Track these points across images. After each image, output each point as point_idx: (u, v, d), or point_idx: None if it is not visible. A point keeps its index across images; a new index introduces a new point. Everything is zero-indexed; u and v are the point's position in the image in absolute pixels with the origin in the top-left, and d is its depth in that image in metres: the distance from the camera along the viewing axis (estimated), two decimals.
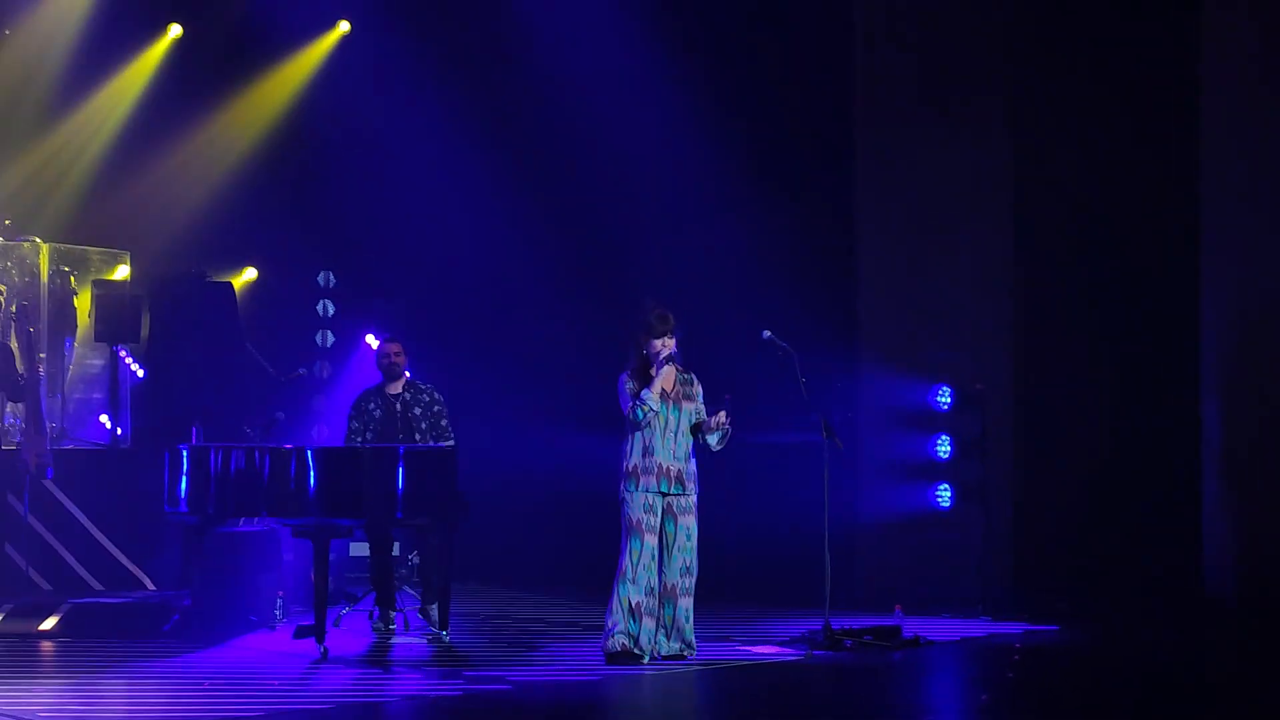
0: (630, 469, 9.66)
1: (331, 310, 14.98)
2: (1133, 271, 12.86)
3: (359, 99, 14.49)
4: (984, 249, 12.71)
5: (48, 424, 11.98)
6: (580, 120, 13.98)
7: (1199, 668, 10.05)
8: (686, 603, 9.64)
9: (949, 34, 12.86)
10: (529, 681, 9.00)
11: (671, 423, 9.70)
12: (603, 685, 9.07)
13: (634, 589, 9.52)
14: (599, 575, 13.39)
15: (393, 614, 11.05)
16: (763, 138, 13.51)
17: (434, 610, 10.76)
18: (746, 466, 13.44)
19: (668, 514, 9.65)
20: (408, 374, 11.29)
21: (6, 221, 12.78)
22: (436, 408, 11.15)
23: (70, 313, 12.78)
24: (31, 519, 11.53)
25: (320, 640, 9.90)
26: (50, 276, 12.58)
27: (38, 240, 12.66)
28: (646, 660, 9.47)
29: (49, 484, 11.63)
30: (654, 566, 9.56)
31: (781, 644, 10.42)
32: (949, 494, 12.53)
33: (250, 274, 14.74)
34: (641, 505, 9.60)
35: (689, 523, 9.68)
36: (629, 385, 9.78)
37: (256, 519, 10.96)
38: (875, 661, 9.95)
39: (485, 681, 8.92)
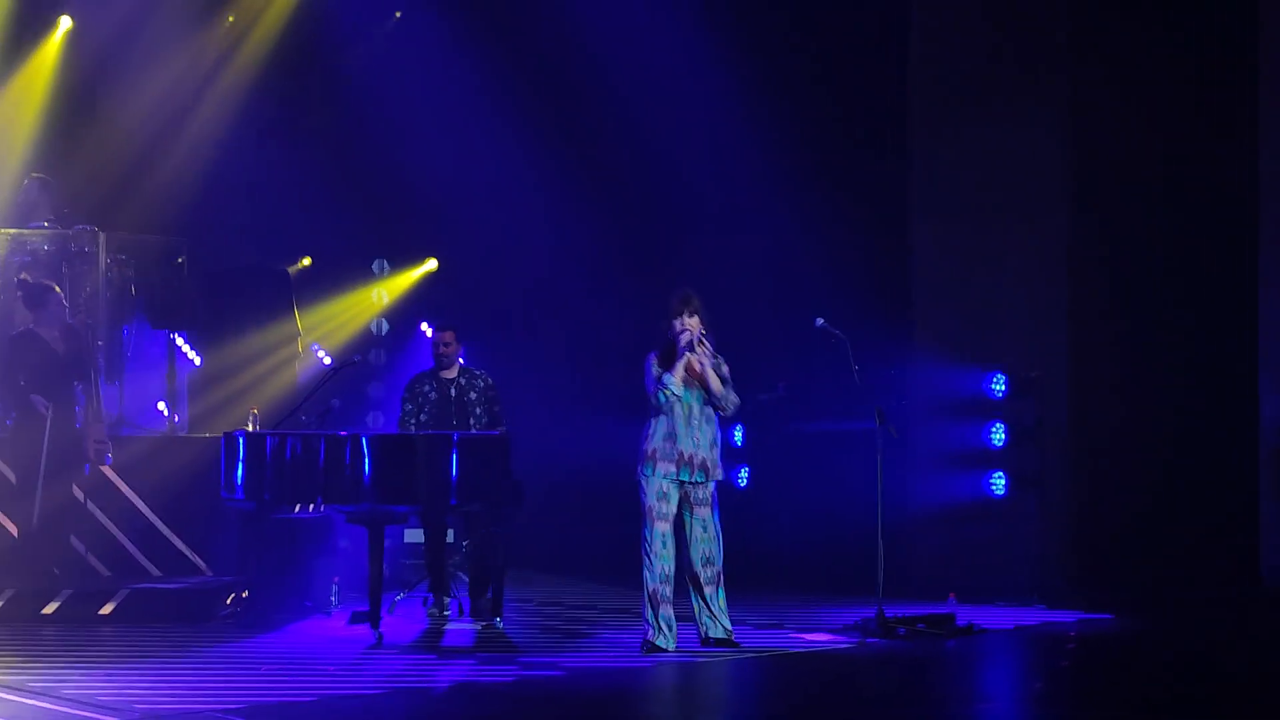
0: (649, 452, 9.56)
1: (386, 298, 15.08)
2: (1191, 257, 12.74)
3: (414, 88, 14.54)
4: (1039, 235, 12.61)
5: (104, 411, 12.11)
6: (633, 108, 13.99)
7: (1255, 657, 9.96)
8: (711, 591, 9.63)
9: (1005, 18, 12.77)
10: (581, 668, 9.02)
11: (696, 410, 9.61)
12: (654, 672, 9.08)
13: (649, 576, 9.49)
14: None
15: (447, 600, 11.12)
16: (816, 123, 13.47)
17: (487, 596, 10.80)
18: (800, 454, 13.45)
19: (685, 503, 9.58)
20: (461, 361, 11.35)
21: (65, 210, 12.89)
22: (491, 393, 11.21)
23: (128, 301, 12.88)
24: (91, 505, 11.65)
25: (375, 626, 9.96)
26: (108, 265, 12.68)
27: (96, 228, 12.76)
28: (671, 647, 9.41)
29: (108, 471, 11.75)
30: (666, 553, 9.50)
31: (834, 632, 10.41)
32: (1003, 482, 12.46)
33: (305, 262, 14.84)
34: (656, 492, 9.50)
35: (704, 515, 9.61)
36: (655, 368, 9.68)
37: (312, 505, 11.04)
38: (929, 650, 9.92)
39: (537, 668, 8.96)
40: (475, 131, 14.45)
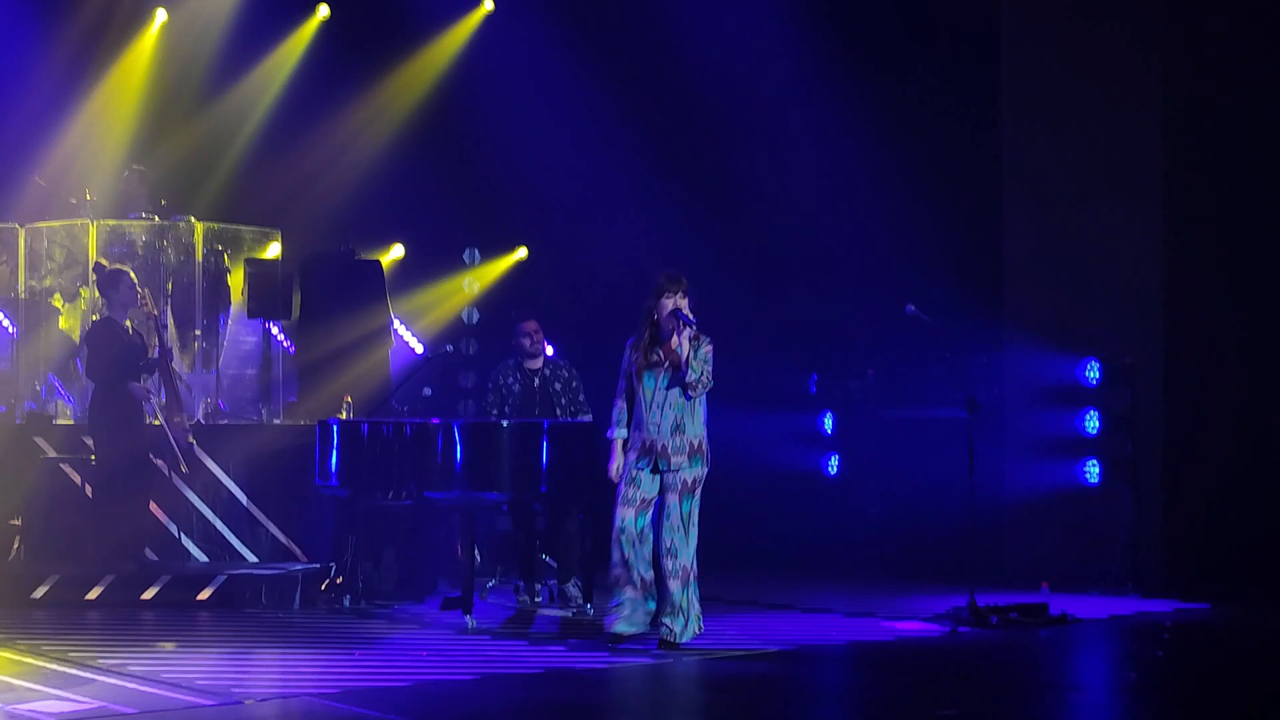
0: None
1: (477, 287, 15.16)
2: None
3: (505, 76, 14.60)
4: (1134, 219, 12.45)
5: (189, 399, 12.26)
6: (725, 95, 13.97)
7: None
8: (674, 586, 9.09)
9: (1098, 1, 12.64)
10: (673, 655, 9.02)
11: (659, 395, 9.18)
12: (746, 660, 9.09)
13: (611, 559, 9.19)
14: (740, 550, 13.47)
15: (537, 587, 11.19)
16: (908, 109, 13.38)
17: (577, 583, 10.86)
18: (892, 441, 13.38)
19: (660, 491, 9.19)
20: (550, 349, 11.41)
21: (163, 202, 13.07)
22: (575, 384, 11.26)
23: (224, 290, 13.04)
24: (188, 492, 11.83)
25: (467, 612, 10.05)
26: (205, 255, 12.85)
27: (193, 219, 12.93)
28: (630, 634, 9.12)
29: (204, 457, 11.91)
30: (625, 539, 9.10)
31: (926, 621, 10.36)
32: (1097, 470, 12.34)
33: (398, 251, 14.95)
34: (625, 478, 9.20)
35: (671, 501, 9.13)
36: (626, 358, 9.32)
37: (405, 493, 11.13)
38: (1021, 639, 9.85)
39: (628, 654, 8.99)
40: (566, 120, 14.48)
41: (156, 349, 11.33)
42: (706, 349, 9.22)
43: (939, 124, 13.30)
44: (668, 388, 9.18)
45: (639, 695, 8.33)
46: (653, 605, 9.20)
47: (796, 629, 10.25)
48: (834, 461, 14.02)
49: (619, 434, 9.27)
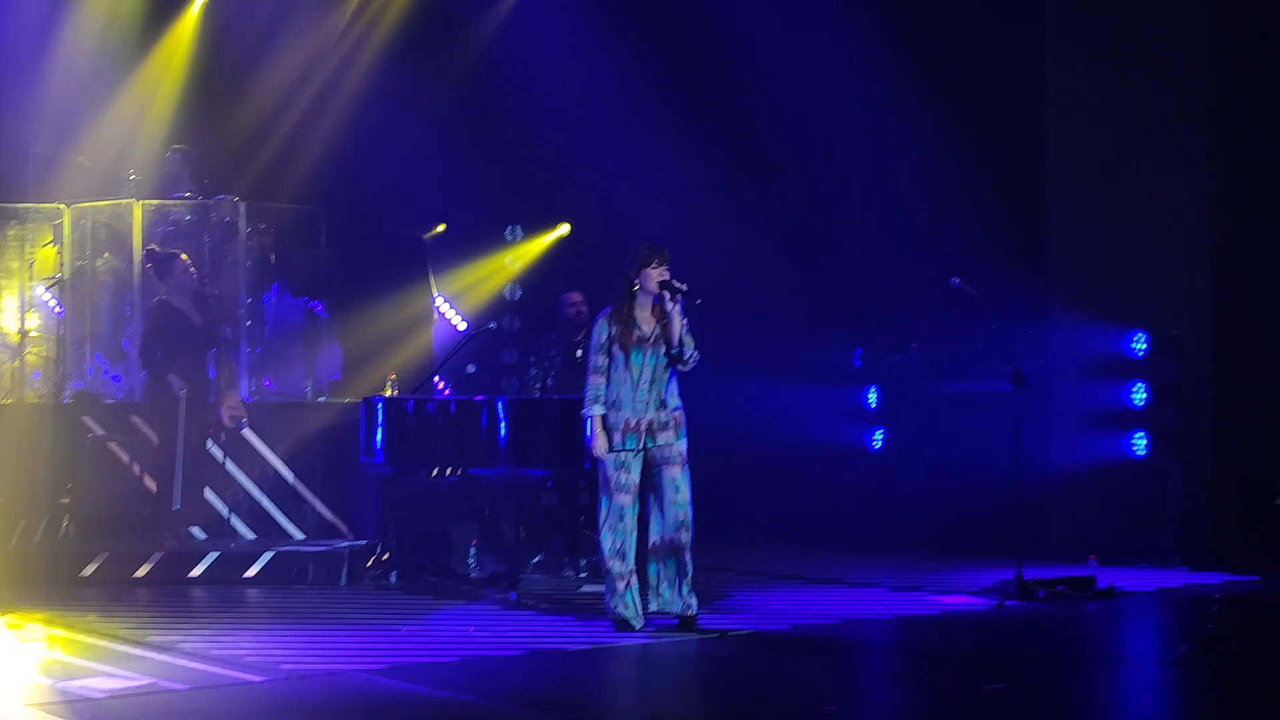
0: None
1: (519, 264, 15.16)
2: None
3: (546, 53, 14.56)
4: (1181, 189, 12.34)
5: (243, 380, 12.35)
6: (767, 68, 13.91)
7: None
8: (686, 559, 8.86)
9: None
10: (714, 629, 9.02)
11: (646, 373, 8.87)
12: (792, 634, 9.08)
13: (603, 550, 8.94)
14: (785, 525, 13.46)
15: (582, 562, 11.19)
16: (951, 81, 13.29)
17: None
18: (936, 415, 13.34)
19: (652, 467, 8.90)
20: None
21: (206, 181, 13.11)
22: None
23: (268, 269, 13.08)
24: (235, 470, 11.90)
25: (513, 588, 10.07)
26: (248, 234, 12.88)
27: (236, 199, 12.97)
28: (638, 625, 8.85)
29: (251, 436, 11.98)
30: (621, 526, 8.84)
31: (972, 594, 10.33)
32: (1145, 442, 12.26)
33: (440, 229, 14.96)
34: (612, 462, 8.87)
35: (674, 473, 8.87)
36: (604, 331, 8.92)
37: (450, 469, 11.17)
38: (1069, 612, 9.81)
39: (672, 629, 8.98)
40: (608, 96, 14.45)
41: (228, 330, 11.48)
42: (684, 319, 8.91)
43: (983, 95, 13.21)
44: (654, 364, 8.90)
45: (686, 673, 8.33)
46: (636, 593, 8.95)
47: (843, 603, 10.23)
48: (878, 436, 13.98)
49: (597, 410, 8.89)
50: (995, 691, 7.48)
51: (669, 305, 8.90)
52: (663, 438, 8.91)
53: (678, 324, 8.89)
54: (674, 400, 8.99)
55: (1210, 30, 12.31)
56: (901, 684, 8.14)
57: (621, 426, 8.90)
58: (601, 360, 8.99)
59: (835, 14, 13.46)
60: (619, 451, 8.89)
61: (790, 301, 13.65)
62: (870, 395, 14.03)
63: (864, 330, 13.99)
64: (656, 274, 8.93)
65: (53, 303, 12.83)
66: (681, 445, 8.96)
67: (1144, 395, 12.29)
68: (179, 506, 11.40)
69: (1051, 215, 12.89)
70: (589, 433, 8.97)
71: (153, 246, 11.96)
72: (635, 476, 8.92)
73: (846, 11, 13.43)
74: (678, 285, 8.89)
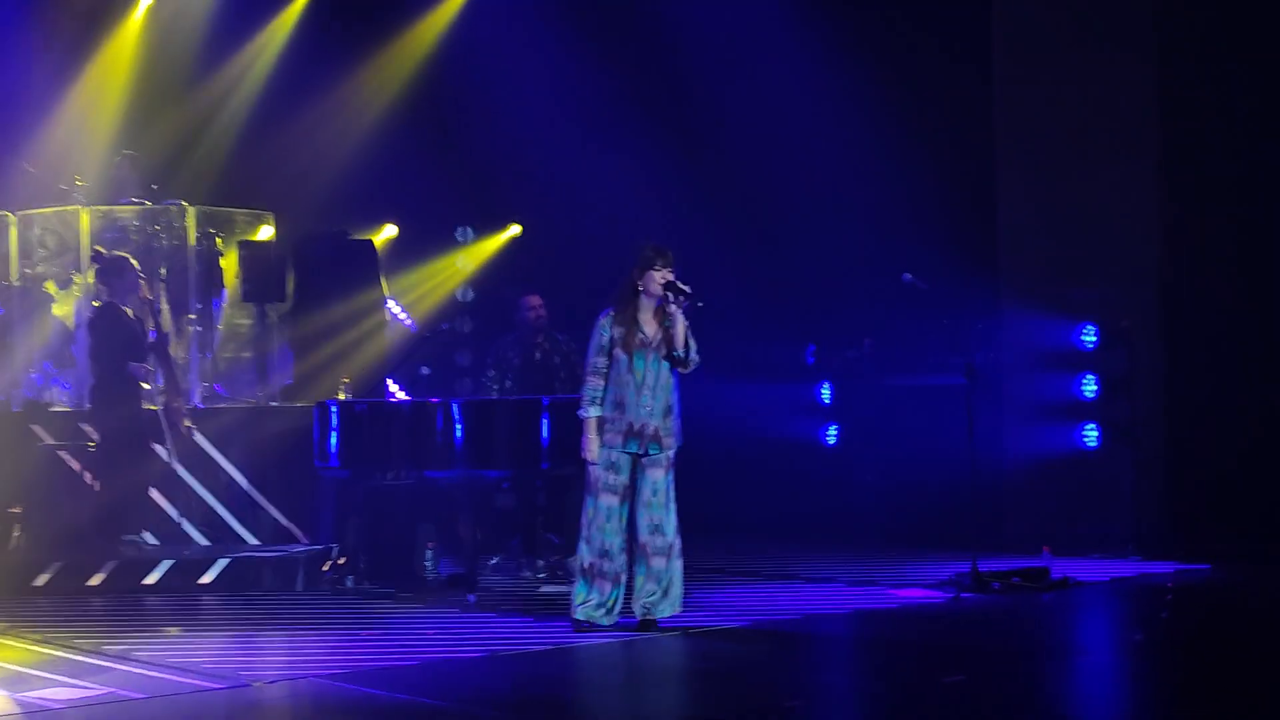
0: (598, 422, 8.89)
1: (471, 265, 15.12)
2: None
3: (493, 52, 14.55)
4: (1128, 182, 12.43)
5: (194, 385, 12.26)
6: (716, 66, 13.93)
7: None
8: (659, 563, 8.83)
9: None
10: (675, 627, 9.03)
11: (650, 377, 8.80)
12: (752, 630, 9.10)
13: (587, 550, 8.84)
14: (741, 522, 13.48)
15: (540, 563, 11.18)
16: (899, 75, 13.35)
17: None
18: (890, 409, 13.40)
19: (636, 468, 8.86)
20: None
21: (154, 186, 13.02)
22: (575, 358, 11.24)
23: (218, 274, 12.99)
24: (187, 476, 11.81)
25: (471, 590, 10.04)
26: (197, 239, 12.80)
27: (184, 203, 12.88)
28: (608, 624, 8.80)
29: (204, 442, 11.89)
30: (609, 527, 8.79)
31: (928, 587, 10.38)
32: (1096, 433, 12.35)
33: (390, 230, 14.90)
34: (604, 462, 8.80)
35: (656, 477, 8.82)
36: (606, 332, 8.84)
37: (405, 472, 11.13)
38: (1024, 604, 9.87)
39: (633, 629, 8.98)
40: (556, 95, 14.43)
41: (153, 332, 11.33)
42: (682, 325, 8.87)
43: (932, 91, 13.28)
44: (657, 368, 8.85)
45: (649, 670, 8.34)
46: (623, 593, 8.93)
47: (800, 599, 10.27)
48: (833, 431, 14.03)
49: (594, 412, 8.86)
50: (955, 683, 7.52)
51: (672, 308, 8.83)
52: (665, 444, 8.86)
53: (681, 326, 8.83)
54: (677, 407, 8.94)
55: (1153, 22, 12.41)
56: (862, 677, 8.18)
57: (624, 429, 8.83)
58: (601, 362, 8.91)
59: (786, 14, 13.49)
60: (606, 452, 8.82)
61: (743, 298, 13.67)
62: (824, 391, 14.08)
63: (817, 326, 14.04)
64: (660, 276, 8.84)
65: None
66: (670, 451, 8.92)
67: (1094, 387, 12.38)
68: (118, 500, 11.24)
69: (1001, 209, 12.97)
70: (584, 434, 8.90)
71: (99, 248, 11.84)
72: (625, 478, 8.86)
73: (797, 11, 13.46)
74: (682, 287, 8.81)
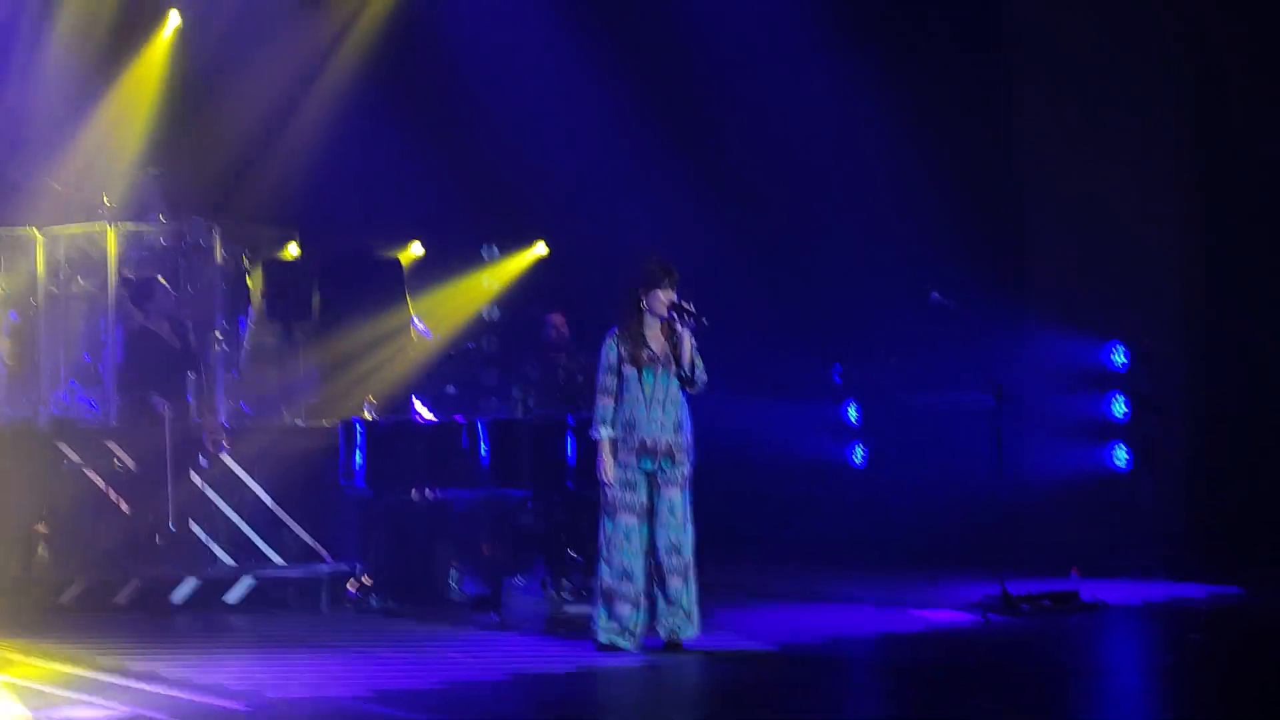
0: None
1: (496, 284, 15.10)
2: None
3: (520, 72, 14.54)
4: (1156, 201, 12.37)
5: (220, 401, 12.27)
6: (743, 87, 13.91)
7: None
8: (677, 584, 8.78)
9: None
10: (705, 650, 8.97)
11: (659, 391, 8.75)
12: (778, 653, 9.03)
13: (606, 571, 8.78)
14: (767, 542, 13.42)
15: (564, 583, 11.13)
16: (925, 95, 13.30)
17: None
18: (917, 429, 13.32)
19: (652, 488, 8.79)
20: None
21: (180, 204, 13.03)
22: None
23: (244, 292, 13.01)
24: (214, 495, 11.80)
25: (494, 610, 10.00)
26: (223, 257, 12.81)
27: (210, 222, 12.88)
28: (630, 646, 8.74)
29: (229, 461, 11.89)
30: (629, 547, 8.73)
31: (957, 609, 10.30)
32: (1125, 454, 12.27)
33: (416, 249, 14.90)
34: (619, 482, 8.75)
35: (673, 496, 8.77)
36: (613, 351, 8.80)
37: (430, 491, 11.11)
38: (1054, 626, 9.80)
39: (657, 651, 8.92)
40: (582, 114, 14.42)
41: (188, 352, 11.41)
42: (689, 343, 8.84)
43: (957, 108, 13.22)
44: (667, 383, 8.81)
45: (673, 693, 8.28)
46: (645, 615, 8.86)
47: (827, 621, 10.19)
48: (859, 451, 13.96)
49: (606, 433, 8.80)
50: (983, 706, 7.44)
51: (679, 328, 8.79)
52: (678, 459, 8.80)
53: (688, 346, 8.80)
54: (689, 423, 8.88)
55: (1183, 40, 12.34)
56: (889, 701, 8.11)
57: (636, 447, 8.78)
58: (610, 381, 8.86)
59: (807, 27, 13.46)
60: (620, 473, 8.76)
61: (769, 317, 13.63)
62: (850, 410, 14.01)
63: (843, 345, 13.97)
64: (666, 296, 8.81)
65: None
66: (686, 468, 8.87)
67: (1124, 407, 12.30)
68: (175, 530, 11.32)
69: (1028, 228, 12.91)
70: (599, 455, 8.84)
71: (126, 273, 11.89)
72: (643, 496, 8.80)
73: (822, 29, 13.42)
74: (687, 308, 8.77)
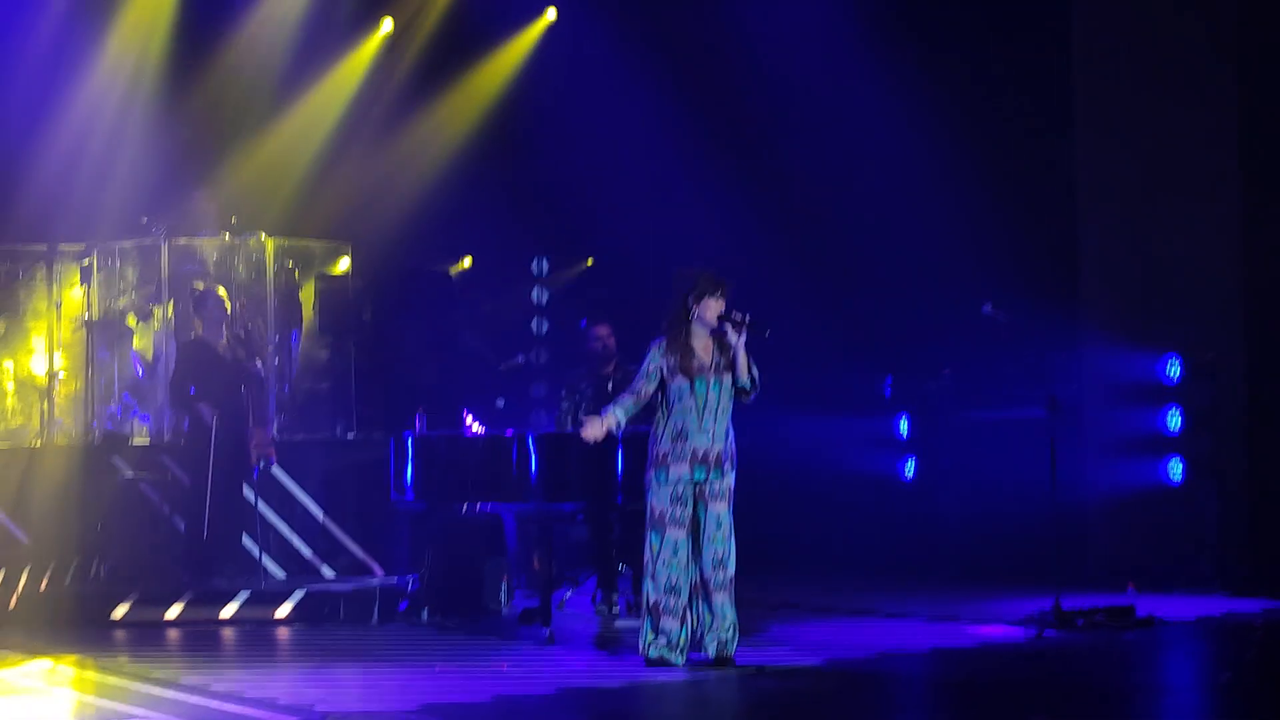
0: (660, 456, 8.77)
1: (546, 297, 15.12)
2: None
3: (569, 85, 14.56)
4: (1212, 211, 12.24)
5: (273, 416, 12.33)
6: (794, 99, 13.87)
7: None
8: (721, 598, 8.72)
9: None
10: (752, 664, 8.93)
11: (712, 401, 8.71)
12: (828, 668, 8.98)
13: (652, 586, 8.72)
14: (817, 556, 13.36)
15: (615, 597, 11.11)
16: (980, 107, 13.23)
17: None
18: (969, 442, 13.23)
19: (699, 500, 8.76)
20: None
21: (234, 219, 13.11)
22: None
23: (295, 306, 13.07)
24: (264, 508, 11.85)
25: (545, 624, 9.99)
26: (275, 271, 12.88)
27: (263, 236, 12.96)
28: (678, 662, 8.69)
29: (280, 474, 11.94)
30: (676, 562, 8.68)
31: (1010, 624, 10.22)
32: (1180, 468, 12.15)
33: (466, 263, 14.93)
34: (669, 496, 8.70)
35: (719, 510, 8.73)
36: (658, 359, 8.79)
37: (480, 505, 11.11)
38: (1108, 641, 9.69)
39: (706, 666, 8.88)
40: (632, 127, 14.42)
41: (245, 364, 11.47)
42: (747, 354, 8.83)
43: (1012, 120, 13.15)
44: (719, 392, 8.77)
45: (722, 708, 8.24)
46: (686, 632, 8.82)
47: (878, 635, 10.13)
48: (910, 464, 13.88)
49: (615, 412, 8.77)
50: None
51: (732, 339, 8.77)
52: (726, 468, 8.78)
53: (744, 357, 8.78)
54: (731, 431, 8.87)
55: (1239, 51, 12.23)
56: (941, 717, 8.04)
57: (689, 457, 8.76)
58: (644, 386, 8.87)
59: (863, 39, 13.41)
60: (672, 487, 8.73)
61: (820, 329, 13.58)
62: (902, 424, 13.94)
63: (895, 358, 13.91)
64: (716, 306, 8.81)
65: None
66: (730, 480, 8.85)
67: (1179, 420, 12.18)
68: (220, 541, 11.38)
69: (1083, 239, 12.81)
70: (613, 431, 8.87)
71: (196, 283, 12.00)
72: (689, 509, 8.77)
73: (874, 36, 13.38)
74: (738, 318, 8.77)
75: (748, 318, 8.79)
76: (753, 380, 8.83)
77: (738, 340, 8.79)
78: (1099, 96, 12.71)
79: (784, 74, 13.81)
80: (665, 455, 8.81)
